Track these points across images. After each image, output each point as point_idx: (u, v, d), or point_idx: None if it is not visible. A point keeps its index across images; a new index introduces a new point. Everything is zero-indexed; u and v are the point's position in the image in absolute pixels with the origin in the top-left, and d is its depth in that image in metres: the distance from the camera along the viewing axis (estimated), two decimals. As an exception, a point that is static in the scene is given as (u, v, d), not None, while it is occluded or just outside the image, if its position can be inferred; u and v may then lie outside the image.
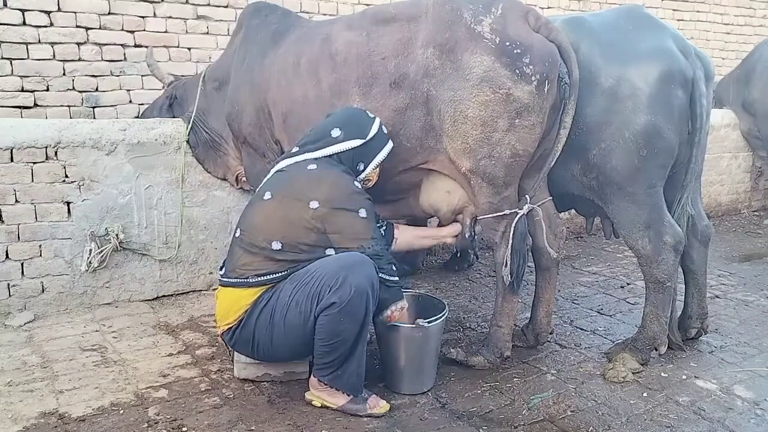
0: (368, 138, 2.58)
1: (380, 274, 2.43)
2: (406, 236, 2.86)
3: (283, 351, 2.51)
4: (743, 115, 6.13)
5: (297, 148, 2.63)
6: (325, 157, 2.56)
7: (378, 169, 2.68)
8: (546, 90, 2.53)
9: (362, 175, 2.64)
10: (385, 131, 2.65)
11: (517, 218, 2.68)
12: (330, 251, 2.45)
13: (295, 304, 2.38)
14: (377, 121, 2.63)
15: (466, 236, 2.93)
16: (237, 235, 2.54)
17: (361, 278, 2.35)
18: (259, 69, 3.21)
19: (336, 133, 2.58)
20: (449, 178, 2.79)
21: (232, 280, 2.48)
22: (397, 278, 2.50)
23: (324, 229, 2.43)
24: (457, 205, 2.87)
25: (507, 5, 2.58)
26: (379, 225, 2.68)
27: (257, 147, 3.35)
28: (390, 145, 2.65)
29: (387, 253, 2.52)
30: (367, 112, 2.65)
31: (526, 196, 2.74)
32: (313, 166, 2.51)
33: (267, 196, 2.50)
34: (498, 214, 2.69)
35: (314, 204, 2.42)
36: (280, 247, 2.43)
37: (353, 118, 2.63)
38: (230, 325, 2.51)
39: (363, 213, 2.46)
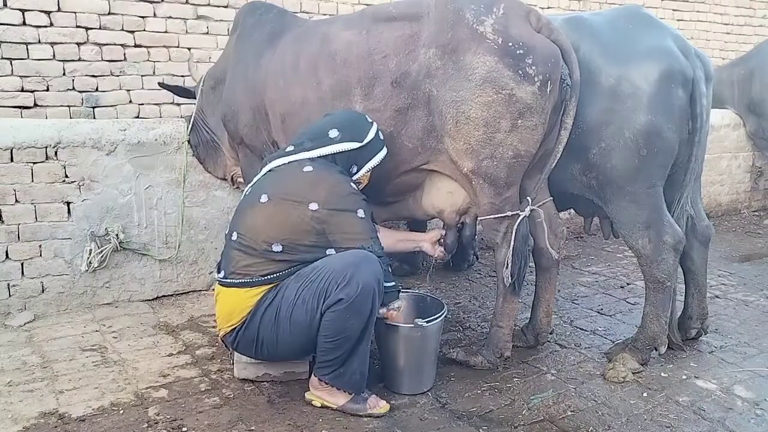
0: (365, 142, 2.59)
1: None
2: (385, 240, 2.78)
3: (288, 349, 2.50)
4: (749, 115, 6.07)
5: (292, 147, 2.62)
6: (320, 157, 2.55)
7: (370, 173, 2.69)
8: (548, 91, 2.53)
9: (354, 177, 2.64)
10: (381, 137, 2.65)
11: (519, 220, 2.68)
12: (330, 251, 2.46)
13: (301, 302, 2.38)
14: (375, 126, 2.63)
15: (449, 242, 2.93)
16: (234, 238, 2.50)
17: (368, 275, 2.36)
18: (255, 69, 3.19)
19: (334, 134, 2.57)
20: (451, 179, 2.78)
21: (236, 281, 2.46)
22: (393, 281, 2.51)
23: (323, 230, 2.43)
24: (461, 206, 2.86)
25: (509, 5, 2.57)
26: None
27: (254, 148, 3.34)
28: (384, 151, 2.66)
29: (383, 254, 2.51)
30: (366, 116, 2.65)
31: (528, 197, 2.74)
32: (309, 168, 2.50)
33: (263, 198, 2.48)
34: (500, 215, 2.68)
35: (314, 206, 2.42)
36: (281, 249, 2.43)
37: (352, 121, 2.63)
38: (234, 326, 2.50)
39: (361, 213, 2.47)
